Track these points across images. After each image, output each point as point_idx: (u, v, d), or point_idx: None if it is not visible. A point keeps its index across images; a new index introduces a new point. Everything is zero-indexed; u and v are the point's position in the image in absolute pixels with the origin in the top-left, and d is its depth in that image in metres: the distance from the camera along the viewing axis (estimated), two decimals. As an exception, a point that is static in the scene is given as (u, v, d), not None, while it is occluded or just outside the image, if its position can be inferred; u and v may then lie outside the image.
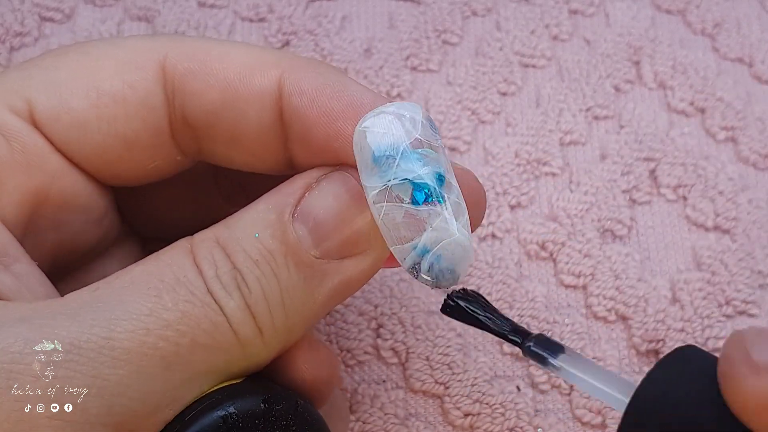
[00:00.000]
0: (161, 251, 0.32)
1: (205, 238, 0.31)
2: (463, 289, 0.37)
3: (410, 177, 0.29)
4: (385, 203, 0.29)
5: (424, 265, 0.29)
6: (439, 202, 0.29)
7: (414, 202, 0.29)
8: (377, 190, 0.29)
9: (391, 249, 0.30)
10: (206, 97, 0.33)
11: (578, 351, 0.45)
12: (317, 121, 0.32)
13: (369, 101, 0.32)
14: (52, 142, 0.33)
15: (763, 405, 0.29)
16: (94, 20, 0.54)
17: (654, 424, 0.31)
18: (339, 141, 0.32)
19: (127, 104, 0.33)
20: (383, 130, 0.29)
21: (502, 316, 0.36)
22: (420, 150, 0.29)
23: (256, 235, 0.31)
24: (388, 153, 0.29)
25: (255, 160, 0.35)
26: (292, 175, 0.33)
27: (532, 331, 0.36)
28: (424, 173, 0.29)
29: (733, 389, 0.30)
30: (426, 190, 0.29)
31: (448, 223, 0.29)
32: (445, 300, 0.37)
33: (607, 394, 0.33)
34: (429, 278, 0.29)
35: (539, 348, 0.35)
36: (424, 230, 0.29)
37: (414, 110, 0.30)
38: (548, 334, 0.45)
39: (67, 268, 0.37)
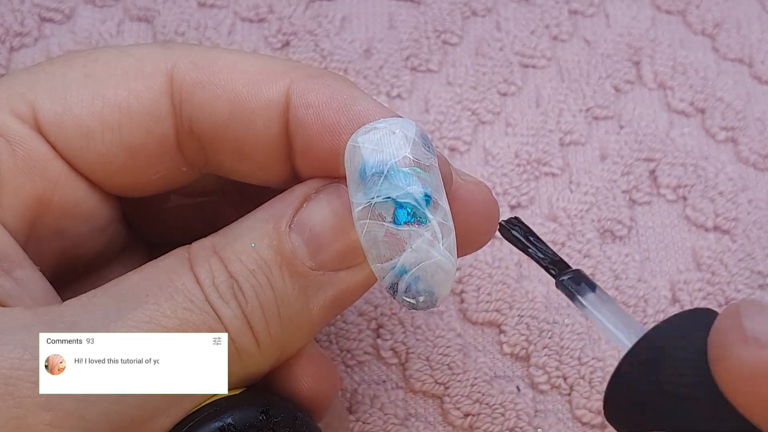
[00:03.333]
0: (159, 259, 0.32)
1: (202, 246, 0.32)
2: (516, 218, 0.37)
3: (393, 195, 0.28)
4: (367, 220, 0.28)
5: (402, 286, 0.29)
6: (422, 222, 0.28)
7: (396, 221, 0.28)
8: (361, 207, 0.29)
9: (371, 267, 0.30)
10: (214, 108, 0.33)
11: (578, 351, 0.45)
12: (320, 135, 0.32)
13: (376, 115, 0.31)
14: (55, 149, 0.33)
15: (747, 375, 0.27)
16: (94, 20, 0.54)
17: (644, 377, 0.30)
18: (342, 155, 0.31)
19: (132, 113, 0.33)
20: (372, 146, 0.29)
21: (547, 247, 0.36)
22: (407, 169, 0.29)
23: (253, 245, 0.31)
24: (374, 170, 0.28)
25: (261, 172, 0.35)
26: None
27: (570, 273, 0.35)
28: (408, 192, 0.28)
29: (719, 359, 0.28)
30: (408, 210, 0.28)
31: (429, 244, 0.28)
32: (500, 224, 0.37)
33: (617, 338, 0.32)
34: (406, 300, 0.29)
35: (571, 284, 0.34)
36: (404, 250, 0.28)
37: (407, 127, 0.29)
38: (548, 335, 0.45)
39: (72, 275, 0.37)
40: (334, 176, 0.32)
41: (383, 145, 0.29)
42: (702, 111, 0.53)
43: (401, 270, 0.28)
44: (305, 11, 0.55)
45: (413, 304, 0.29)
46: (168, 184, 0.36)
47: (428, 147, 0.30)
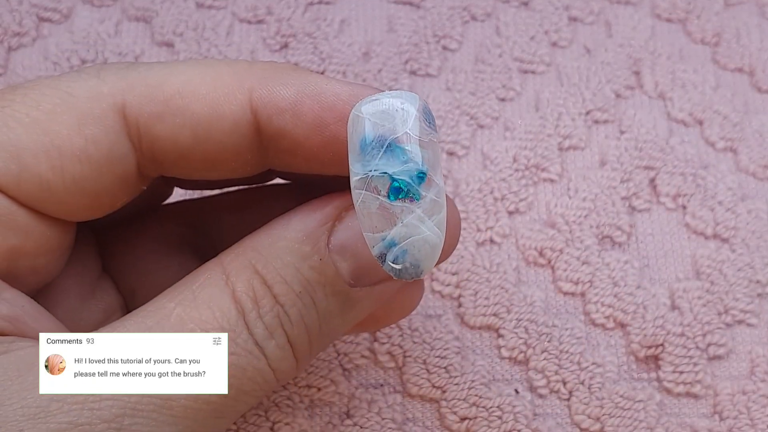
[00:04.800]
0: (194, 281, 0.32)
1: (240, 266, 0.32)
2: None
3: (390, 171, 0.29)
4: (363, 191, 0.29)
5: (390, 257, 0.29)
6: (414, 199, 0.29)
7: (390, 195, 0.29)
8: (359, 177, 0.29)
9: (363, 234, 0.30)
10: (177, 137, 0.32)
11: (577, 356, 0.45)
12: (306, 134, 0.32)
13: (347, 96, 0.32)
14: (17, 202, 0.32)
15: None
16: (92, 20, 0.53)
17: None
18: (331, 147, 0.32)
19: (92, 161, 0.32)
20: (374, 119, 0.29)
21: None
22: (406, 146, 0.29)
23: (295, 266, 0.31)
24: (374, 143, 0.29)
25: (230, 174, 0.34)
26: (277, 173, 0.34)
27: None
28: (403, 169, 0.29)
29: None
30: (403, 186, 0.29)
31: (419, 220, 0.29)
32: None
33: None
34: (392, 270, 0.30)
35: None
36: (395, 224, 0.29)
37: (410, 102, 0.30)
38: (547, 338, 0.45)
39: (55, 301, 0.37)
40: (326, 166, 0.33)
41: (385, 119, 0.29)
42: (700, 122, 0.52)
43: (391, 242, 0.29)
44: (304, 13, 0.54)
45: (399, 273, 0.30)
46: (129, 199, 0.35)
47: (430, 122, 0.30)
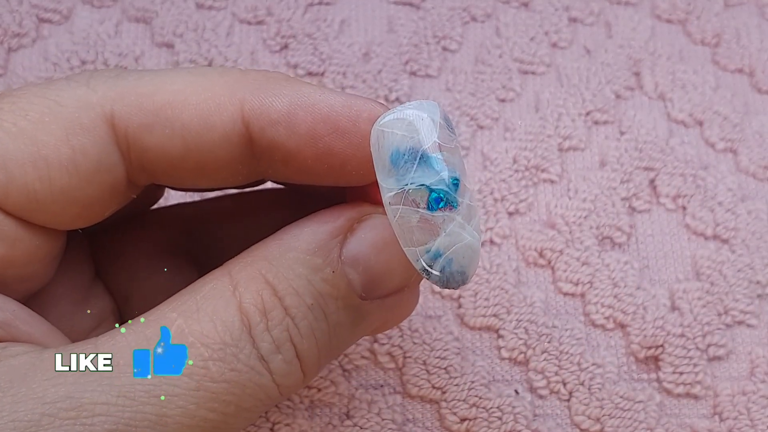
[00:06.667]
0: (199, 290, 0.31)
1: (249, 276, 0.31)
2: None
3: (427, 183, 0.29)
4: (401, 206, 0.29)
5: (436, 268, 0.29)
6: (453, 206, 0.29)
7: (429, 207, 0.29)
8: (394, 192, 0.29)
9: (404, 249, 0.30)
10: (167, 147, 0.32)
11: (577, 356, 0.45)
12: (300, 147, 0.31)
13: (341, 107, 0.31)
14: (4, 212, 0.31)
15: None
16: (92, 21, 0.53)
17: None
18: (325, 159, 0.31)
19: (80, 172, 0.31)
20: (402, 132, 0.29)
21: None
22: (438, 155, 0.29)
23: (307, 278, 0.31)
24: (406, 157, 0.29)
25: (222, 183, 0.34)
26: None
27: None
28: (440, 179, 0.29)
29: None
30: (441, 195, 0.28)
31: (460, 227, 0.29)
32: None
33: None
34: (439, 281, 0.29)
35: None
36: (438, 235, 0.29)
37: (433, 111, 0.30)
38: (547, 339, 0.45)
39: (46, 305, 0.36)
40: (320, 178, 0.33)
41: (413, 131, 0.29)
42: (700, 123, 0.52)
43: (436, 253, 0.29)
44: (304, 14, 0.54)
45: (446, 283, 0.30)
46: (119, 207, 0.35)
47: (451, 128, 0.30)
